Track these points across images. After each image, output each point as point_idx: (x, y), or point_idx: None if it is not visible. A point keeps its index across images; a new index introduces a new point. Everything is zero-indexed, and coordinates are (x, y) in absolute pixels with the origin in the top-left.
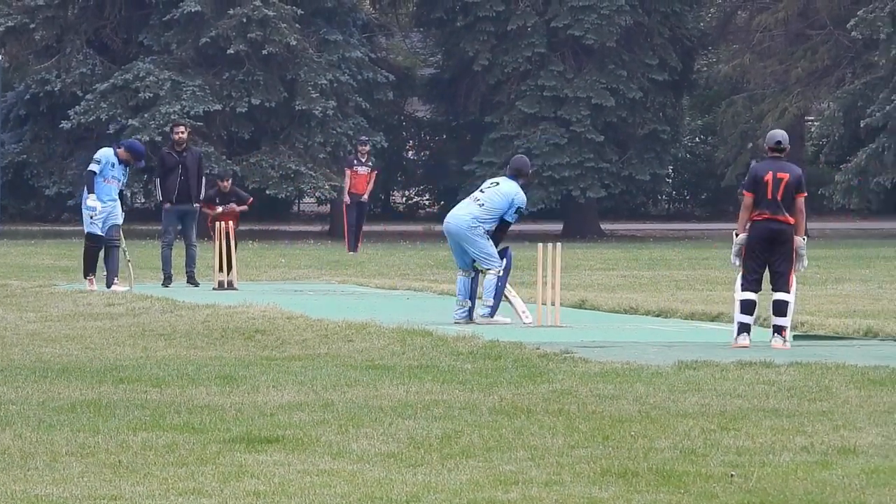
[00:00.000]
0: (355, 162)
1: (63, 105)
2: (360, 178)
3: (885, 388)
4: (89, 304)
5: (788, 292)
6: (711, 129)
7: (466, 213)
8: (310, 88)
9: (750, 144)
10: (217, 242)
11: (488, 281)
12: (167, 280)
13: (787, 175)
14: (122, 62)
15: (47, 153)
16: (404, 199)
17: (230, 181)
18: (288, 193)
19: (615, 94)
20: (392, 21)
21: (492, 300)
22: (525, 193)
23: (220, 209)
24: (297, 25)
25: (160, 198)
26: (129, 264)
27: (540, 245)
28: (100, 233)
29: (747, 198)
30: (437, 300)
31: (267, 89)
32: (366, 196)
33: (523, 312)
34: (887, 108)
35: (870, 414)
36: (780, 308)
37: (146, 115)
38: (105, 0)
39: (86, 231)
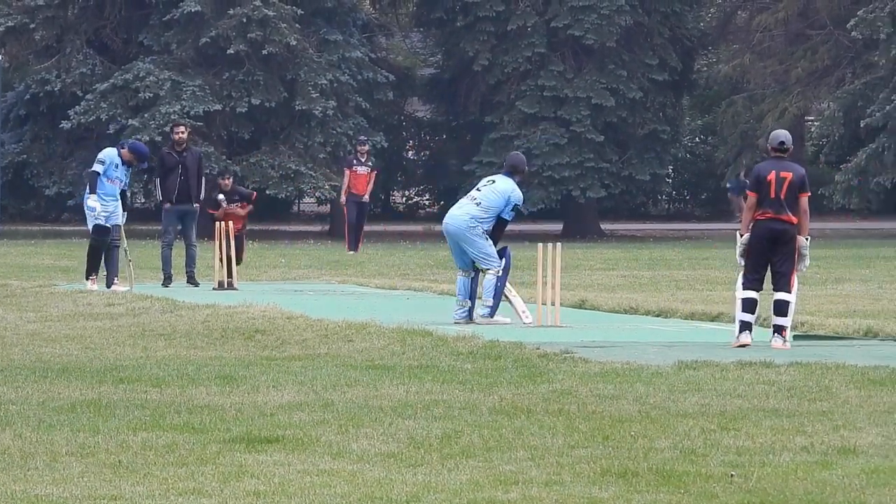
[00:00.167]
0: (354, 162)
1: (63, 105)
2: (360, 178)
3: (885, 388)
4: (89, 304)
5: (790, 292)
6: (711, 129)
7: (464, 213)
8: (310, 88)
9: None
10: (217, 242)
11: (487, 281)
12: (167, 280)
13: (791, 174)
14: (122, 62)
15: (47, 153)
16: (404, 199)
17: (230, 179)
18: (288, 193)
19: (615, 94)
20: (392, 21)
21: (491, 300)
22: (525, 193)
23: (224, 204)
24: (297, 25)
25: (160, 198)
26: (130, 264)
27: (540, 245)
28: (106, 224)
29: (751, 197)
30: (437, 300)
31: (267, 89)
32: (366, 196)
33: (523, 312)
34: (887, 108)
35: (870, 414)
36: (780, 308)
37: (146, 115)
38: (105, 0)
39: (90, 226)
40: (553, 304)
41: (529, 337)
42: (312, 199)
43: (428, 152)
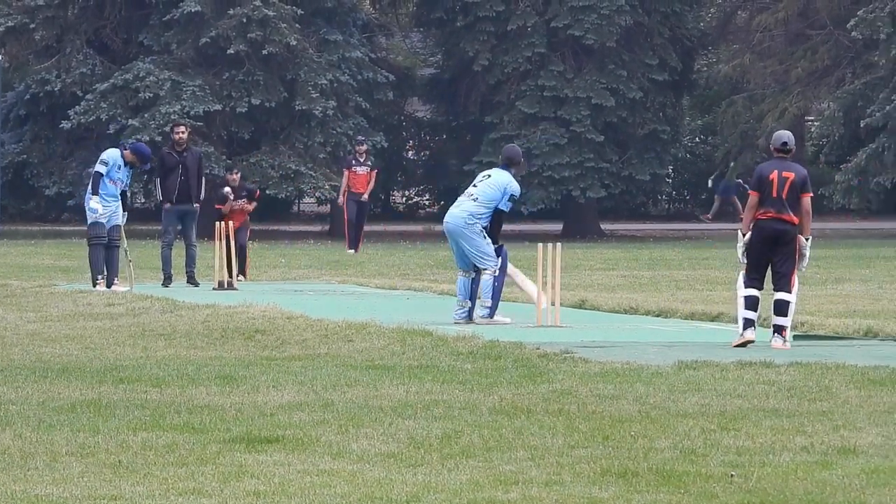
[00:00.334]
0: (353, 162)
1: (63, 105)
2: (360, 178)
3: (885, 388)
4: (89, 304)
5: (790, 292)
6: (711, 129)
7: (463, 211)
8: (310, 88)
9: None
10: (217, 242)
11: (485, 281)
12: (167, 280)
13: (793, 174)
14: (122, 62)
15: (47, 153)
16: (404, 199)
17: (238, 174)
18: (288, 193)
19: (615, 94)
20: (392, 21)
21: (490, 300)
22: (525, 193)
23: (231, 198)
24: (297, 25)
25: (160, 198)
26: (130, 264)
27: (540, 245)
28: (104, 221)
29: (753, 197)
30: (437, 300)
31: (267, 89)
32: (366, 195)
33: (536, 294)
34: (887, 108)
35: (870, 414)
36: (781, 308)
37: (146, 115)
38: (105, 0)
39: (89, 224)
40: (553, 304)
41: (529, 337)
42: (312, 199)
43: (428, 152)
